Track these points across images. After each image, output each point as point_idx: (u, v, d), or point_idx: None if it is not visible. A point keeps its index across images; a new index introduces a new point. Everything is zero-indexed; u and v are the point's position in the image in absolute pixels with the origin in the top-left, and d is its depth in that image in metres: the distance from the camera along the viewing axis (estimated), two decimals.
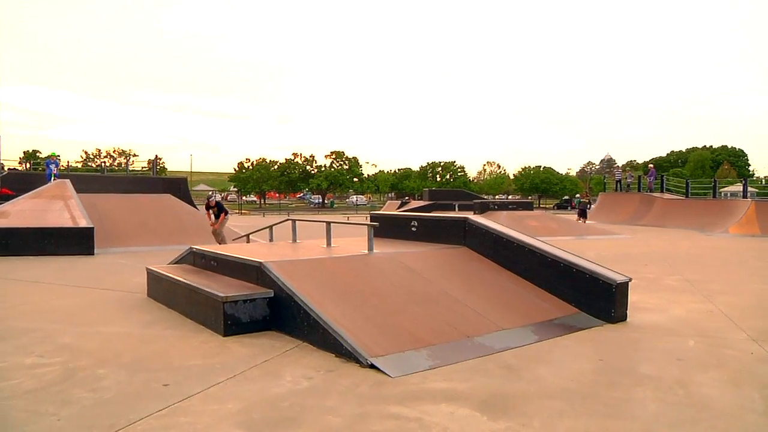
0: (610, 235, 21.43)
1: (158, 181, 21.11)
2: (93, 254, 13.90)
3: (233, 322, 5.99)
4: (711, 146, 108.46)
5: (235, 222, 25.46)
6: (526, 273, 7.65)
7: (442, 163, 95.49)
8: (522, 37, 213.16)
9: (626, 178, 36.46)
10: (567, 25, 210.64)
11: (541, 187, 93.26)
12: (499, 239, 8.04)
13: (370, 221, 10.39)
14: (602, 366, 5.17)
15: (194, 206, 20.29)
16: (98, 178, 21.52)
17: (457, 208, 27.50)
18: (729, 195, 42.28)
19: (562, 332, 6.33)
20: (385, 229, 9.64)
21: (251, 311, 6.10)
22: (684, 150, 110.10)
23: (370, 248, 7.64)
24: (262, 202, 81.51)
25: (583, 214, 28.56)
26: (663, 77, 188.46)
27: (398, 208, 32.50)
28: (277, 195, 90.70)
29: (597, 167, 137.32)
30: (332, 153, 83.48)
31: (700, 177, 64.99)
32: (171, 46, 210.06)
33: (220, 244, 13.63)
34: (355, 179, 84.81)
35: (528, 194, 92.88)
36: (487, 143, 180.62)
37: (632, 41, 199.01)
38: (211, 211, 15.14)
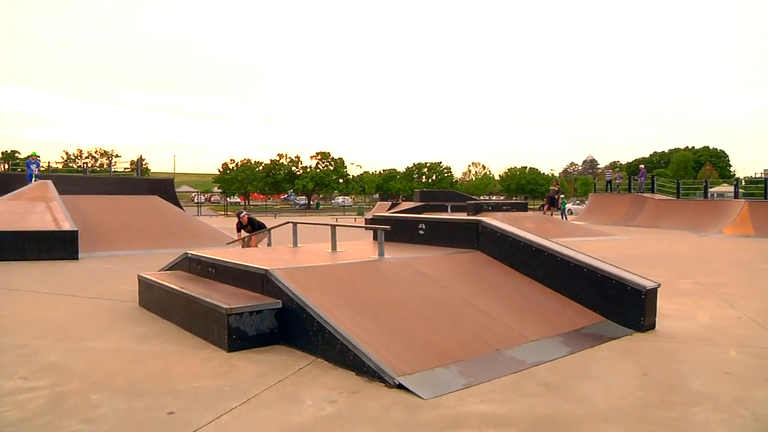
0: (607, 237, 21.12)
1: (143, 182, 20.39)
2: (77, 259, 13.23)
3: (238, 336, 5.45)
4: (693, 147, 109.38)
5: (221, 224, 24.81)
6: (546, 279, 7.20)
7: (428, 164, 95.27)
8: (505, 38, 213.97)
9: (616, 178, 36.32)
10: (549, 28, 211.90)
11: (527, 188, 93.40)
12: (516, 243, 7.59)
13: (375, 224, 9.90)
14: (648, 381, 4.72)
15: (181, 208, 19.61)
16: (81, 179, 20.74)
17: (449, 210, 27.04)
18: (715, 195, 42.32)
19: (592, 343, 5.89)
20: (390, 232, 9.14)
21: (258, 324, 5.57)
22: (666, 151, 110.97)
23: (381, 253, 7.15)
24: (247, 203, 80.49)
25: (552, 203, 27.56)
26: (645, 78, 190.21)
27: (389, 209, 31.97)
28: (262, 196, 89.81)
29: (580, 168, 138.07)
30: (318, 153, 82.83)
31: (682, 177, 65.25)
32: (153, 47, 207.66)
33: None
34: (341, 180, 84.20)
35: (514, 195, 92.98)
36: (471, 144, 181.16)
37: (614, 43, 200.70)
38: (243, 231, 12.93)
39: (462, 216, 18.30)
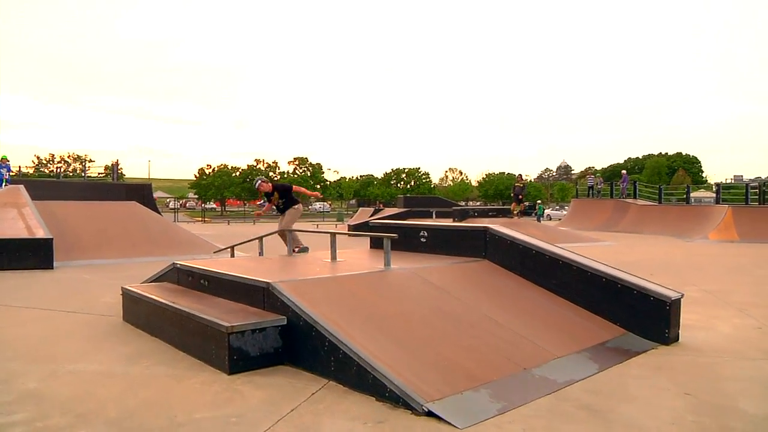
0: (595, 242, 20.93)
1: (120, 187, 19.64)
2: (52, 268, 12.49)
3: (240, 356, 4.93)
4: (666, 153, 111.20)
5: (201, 230, 24.13)
6: (561, 289, 6.81)
7: (406, 170, 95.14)
8: (480, 45, 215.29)
9: (597, 184, 36.38)
10: (523, 36, 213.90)
11: (505, 194, 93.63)
12: (528, 251, 7.18)
13: (374, 230, 9.44)
14: (694, 402, 4.32)
15: (159, 214, 18.90)
16: (55, 183, 19.88)
17: (434, 216, 26.72)
18: (692, 200, 42.59)
19: (620, 358, 5.50)
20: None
21: (261, 343, 5.06)
22: (640, 156, 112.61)
23: (387, 263, 6.68)
24: (223, 209, 79.37)
25: (518, 200, 25.81)
26: (618, 85, 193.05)
27: (371, 215, 31.49)
28: (238, 202, 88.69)
29: (554, 174, 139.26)
30: (295, 159, 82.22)
31: (656, 183, 66.03)
32: (126, 50, 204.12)
33: (293, 248, 9.06)
34: (318, 186, 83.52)
35: (491, 200, 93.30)
36: (448, 150, 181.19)
37: (588, 50, 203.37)
38: (272, 199, 9.91)
39: (448, 222, 17.93)
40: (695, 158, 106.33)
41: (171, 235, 15.47)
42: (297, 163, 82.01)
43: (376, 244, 9.43)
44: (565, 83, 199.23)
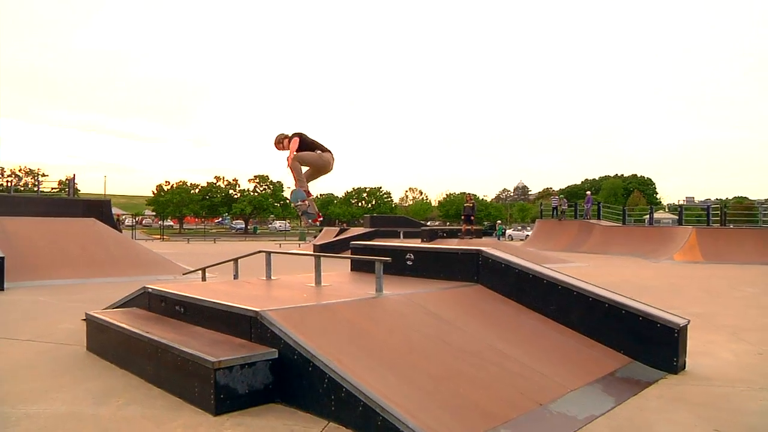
0: (566, 263, 20.86)
1: (78, 203, 18.59)
2: (3, 290, 11.59)
3: (227, 395, 4.40)
4: (622, 175, 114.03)
5: (160, 249, 23.18)
6: (560, 315, 6.48)
7: (367, 189, 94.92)
8: (438, 66, 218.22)
9: (561, 204, 36.68)
10: (481, 57, 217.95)
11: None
12: (524, 275, 6.84)
13: (353, 252, 8.99)
14: None
15: (120, 231, 18.00)
16: (6, 198, 18.71)
17: (402, 236, 26.36)
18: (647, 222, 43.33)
19: (633, 389, 5.17)
20: (369, 262, 8.27)
21: (250, 379, 4.54)
22: (597, 178, 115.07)
23: (379, 288, 6.22)
24: (181, 227, 77.45)
25: (468, 221, 25.31)
26: (576, 108, 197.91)
27: (336, 235, 30.94)
28: (196, 220, 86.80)
29: (512, 194, 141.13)
30: (256, 177, 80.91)
31: (613, 203, 67.39)
32: (83, 63, 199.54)
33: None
34: (277, 204, 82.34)
35: (452, 220, 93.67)
36: (407, 170, 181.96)
37: (545, 73, 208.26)
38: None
39: (417, 243, 17.60)
40: (650, 180, 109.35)
41: (133, 254, 14.65)
42: (257, 181, 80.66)
43: (357, 266, 8.98)
44: (522, 105, 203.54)
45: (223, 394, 4.37)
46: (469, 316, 6.11)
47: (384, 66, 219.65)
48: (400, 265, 8.09)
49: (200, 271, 9.09)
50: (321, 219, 7.58)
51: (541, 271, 6.79)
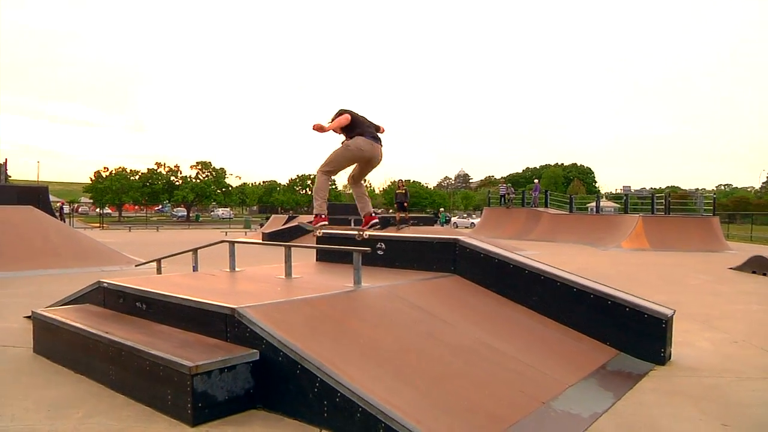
0: (519, 251, 20.94)
1: (11, 189, 17.34)
2: None
3: (206, 403, 3.96)
4: (563, 164, 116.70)
5: (101, 238, 21.97)
6: (542, 306, 6.29)
7: (312, 176, 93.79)
8: (379, 54, 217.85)
9: (509, 193, 37.04)
10: (423, 45, 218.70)
11: (410, 201, 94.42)
12: (504, 265, 6.62)
13: (318, 242, 8.55)
14: None
15: (62, 220, 16.90)
16: None
17: (352, 224, 25.88)
18: (590, 210, 44.39)
19: (627, 383, 5.02)
20: (334, 252, 7.91)
21: (230, 384, 4.11)
22: (538, 167, 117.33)
23: (358, 281, 5.85)
24: (120, 214, 74.48)
25: (402, 209, 23.76)
26: (516, 97, 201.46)
27: (285, 223, 30.20)
28: (135, 207, 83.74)
29: (453, 182, 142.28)
30: (198, 163, 78.52)
31: (553, 192, 68.88)
32: (11, 44, 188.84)
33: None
34: (219, 191, 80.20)
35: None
36: None
37: (487, 62, 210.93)
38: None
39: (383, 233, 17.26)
40: (590, 169, 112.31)
41: (75, 243, 13.72)
42: (200, 167, 78.25)
43: (323, 256, 8.59)
44: (463, 94, 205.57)
45: (201, 402, 3.92)
46: (454, 309, 5.83)
47: (332, 53, 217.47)
48: (370, 255, 7.71)
49: (155, 263, 8.46)
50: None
51: (522, 261, 6.59)
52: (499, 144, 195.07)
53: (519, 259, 6.63)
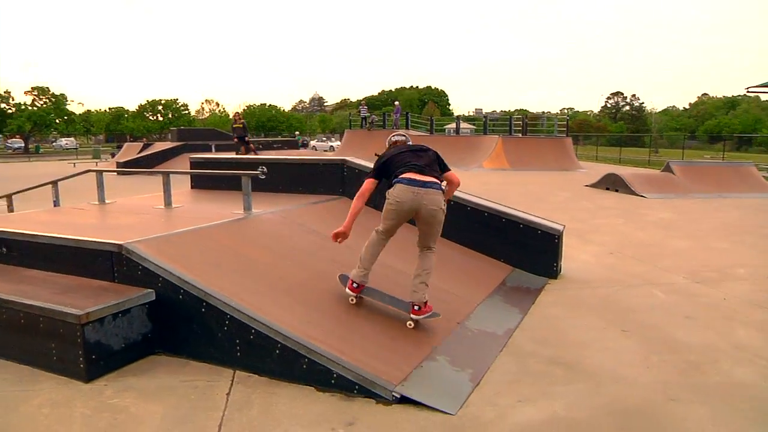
0: None
1: None
2: None
3: (100, 354, 3.48)
4: (418, 87, 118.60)
5: None
6: None
7: (163, 101, 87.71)
8: None
9: (370, 116, 36.93)
10: None
11: (267, 125, 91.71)
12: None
13: (192, 166, 7.90)
14: (639, 340, 4.20)
15: None
16: None
17: (213, 149, 24.60)
18: (449, 131, 45.76)
19: (529, 298, 5.21)
20: (209, 177, 7.36)
21: (126, 330, 3.64)
22: (394, 90, 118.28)
23: (248, 207, 5.44)
24: None
25: (244, 141, 22.01)
26: (369, 19, 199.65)
27: (140, 151, 28.00)
28: None
29: (308, 105, 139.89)
30: (34, 89, 69.80)
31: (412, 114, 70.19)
32: None
33: None
34: (60, 120, 72.44)
35: (252, 132, 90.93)
36: (202, 82, 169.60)
37: None
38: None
39: (249, 156, 16.51)
40: (444, 92, 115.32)
41: None
42: (36, 93, 69.58)
43: (198, 184, 7.94)
44: (317, 16, 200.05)
45: (95, 354, 3.44)
46: (352, 232, 5.62)
47: None
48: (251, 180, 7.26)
49: (4, 200, 7.34)
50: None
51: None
52: (353, 67, 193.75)
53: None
